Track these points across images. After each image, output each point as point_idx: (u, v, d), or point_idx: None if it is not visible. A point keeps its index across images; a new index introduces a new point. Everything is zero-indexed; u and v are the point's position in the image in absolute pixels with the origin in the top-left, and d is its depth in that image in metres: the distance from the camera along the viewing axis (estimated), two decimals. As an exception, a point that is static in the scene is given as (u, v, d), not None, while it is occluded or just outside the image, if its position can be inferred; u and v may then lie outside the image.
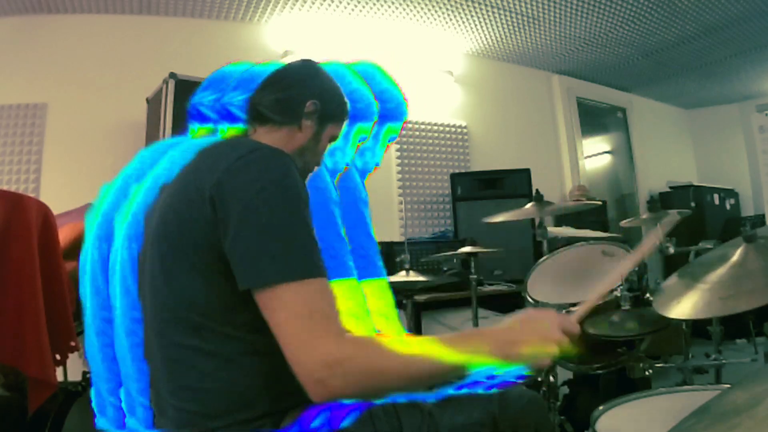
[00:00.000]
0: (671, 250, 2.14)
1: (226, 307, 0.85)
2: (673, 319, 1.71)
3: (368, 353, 0.79)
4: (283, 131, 1.06)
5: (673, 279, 1.32)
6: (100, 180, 1.04)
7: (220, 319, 0.86)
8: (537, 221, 2.42)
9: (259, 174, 0.83)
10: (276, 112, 1.05)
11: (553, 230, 2.43)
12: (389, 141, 1.36)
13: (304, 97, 1.07)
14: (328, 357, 0.75)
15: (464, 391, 0.98)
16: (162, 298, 0.88)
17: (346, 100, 1.17)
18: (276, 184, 0.82)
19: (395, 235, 3.86)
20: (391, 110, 1.33)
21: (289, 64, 1.11)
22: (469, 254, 2.43)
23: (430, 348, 0.82)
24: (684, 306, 1.16)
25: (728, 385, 0.97)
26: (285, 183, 0.83)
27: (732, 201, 5.61)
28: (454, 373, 0.84)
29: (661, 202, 5.07)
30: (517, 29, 4.05)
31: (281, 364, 0.84)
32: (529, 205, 2.33)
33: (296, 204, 0.84)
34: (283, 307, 0.78)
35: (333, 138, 1.16)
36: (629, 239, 3.23)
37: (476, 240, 2.58)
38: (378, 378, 0.79)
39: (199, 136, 1.06)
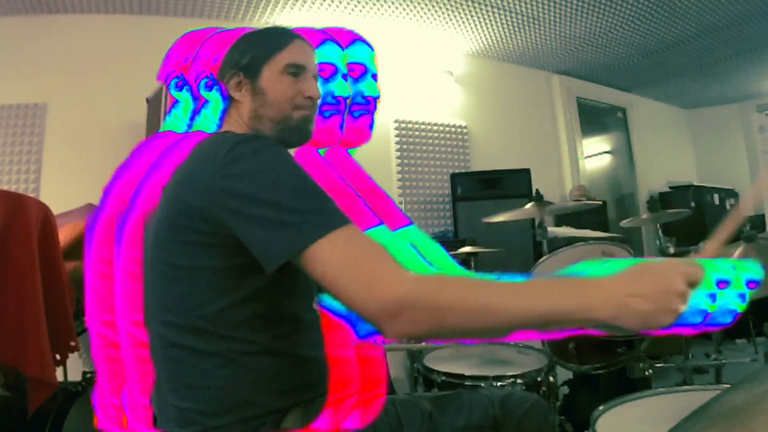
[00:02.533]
0: (671, 250, 2.14)
1: (229, 307, 0.85)
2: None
3: (436, 288, 0.73)
4: (230, 114, 1.05)
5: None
6: (100, 180, 1.03)
7: (223, 319, 0.86)
8: (537, 221, 2.42)
9: (249, 162, 0.82)
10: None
11: (553, 230, 2.43)
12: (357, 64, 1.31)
13: (220, 80, 1.05)
14: (393, 292, 0.71)
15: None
16: (164, 300, 0.88)
17: (255, 36, 1.09)
18: (267, 164, 0.82)
19: (395, 235, 3.86)
20: (346, 44, 1.30)
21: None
22: (469, 254, 2.43)
23: (519, 291, 0.73)
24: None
25: (728, 385, 0.97)
26: (274, 160, 0.83)
27: (732, 201, 5.61)
28: (546, 325, 0.73)
29: (661, 202, 5.06)
30: (517, 29, 4.05)
31: (283, 363, 0.83)
32: (529, 205, 2.33)
33: (293, 173, 0.83)
34: (326, 264, 0.75)
35: (285, 69, 1.05)
36: (629, 239, 3.23)
37: (476, 240, 2.58)
38: (448, 317, 0.72)
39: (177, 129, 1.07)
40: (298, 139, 1.08)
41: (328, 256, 0.75)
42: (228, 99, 1.05)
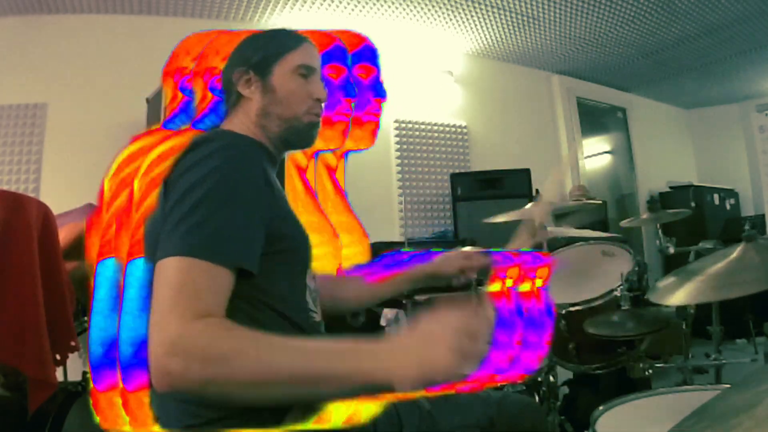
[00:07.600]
0: (671, 251, 2.14)
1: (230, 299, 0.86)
2: (671, 318, 1.72)
3: (216, 337, 0.70)
4: (236, 111, 1.05)
5: (669, 278, 1.32)
6: (100, 180, 1.04)
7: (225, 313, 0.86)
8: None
9: (204, 161, 0.84)
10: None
11: (553, 230, 2.43)
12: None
13: (227, 77, 1.05)
14: (172, 335, 0.69)
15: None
16: None
17: (265, 35, 1.09)
18: (217, 171, 0.83)
19: (395, 235, 3.86)
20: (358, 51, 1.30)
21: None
22: (469, 254, 2.42)
23: (298, 353, 0.71)
24: (678, 295, 1.15)
25: (728, 385, 0.97)
26: (226, 169, 0.84)
27: (732, 201, 5.61)
28: (324, 386, 0.71)
29: (661, 202, 5.06)
30: (517, 29, 4.05)
31: None
32: (529, 206, 2.33)
33: (234, 191, 0.83)
34: (159, 279, 0.75)
35: (296, 69, 1.04)
36: (629, 239, 3.23)
37: (476, 240, 2.58)
38: (222, 369, 0.68)
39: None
40: (302, 143, 1.09)
41: (166, 274, 0.75)
42: (236, 97, 1.05)
